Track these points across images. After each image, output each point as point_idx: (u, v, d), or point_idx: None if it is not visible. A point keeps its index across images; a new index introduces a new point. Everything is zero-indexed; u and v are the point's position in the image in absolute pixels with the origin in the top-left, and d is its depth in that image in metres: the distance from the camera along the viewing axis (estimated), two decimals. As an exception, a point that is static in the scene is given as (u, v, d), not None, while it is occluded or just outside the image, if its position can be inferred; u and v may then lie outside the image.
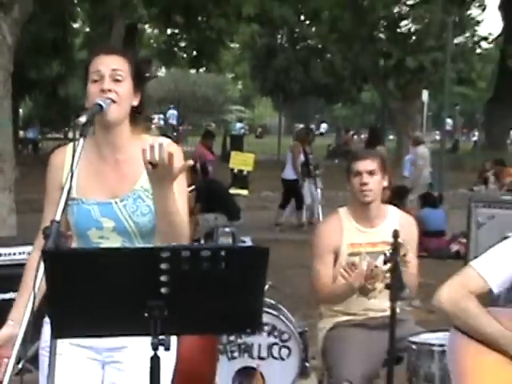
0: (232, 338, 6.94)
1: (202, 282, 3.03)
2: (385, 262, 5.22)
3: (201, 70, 47.20)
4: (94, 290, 3.06)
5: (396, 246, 5.05)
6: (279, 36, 43.31)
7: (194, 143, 50.03)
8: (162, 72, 62.38)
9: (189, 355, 6.08)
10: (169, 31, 27.96)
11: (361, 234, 5.72)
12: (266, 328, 6.93)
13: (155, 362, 3.11)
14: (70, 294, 3.07)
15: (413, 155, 20.07)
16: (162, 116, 59.66)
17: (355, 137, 57.86)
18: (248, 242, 15.28)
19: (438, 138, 40.24)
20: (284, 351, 6.90)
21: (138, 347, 3.82)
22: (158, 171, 3.50)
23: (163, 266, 2.95)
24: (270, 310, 7.01)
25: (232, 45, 50.07)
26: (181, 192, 3.97)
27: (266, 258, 3.02)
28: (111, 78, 3.85)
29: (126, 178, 3.97)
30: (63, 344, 3.86)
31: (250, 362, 6.85)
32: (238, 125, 56.85)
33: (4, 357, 3.69)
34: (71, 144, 3.78)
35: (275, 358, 6.90)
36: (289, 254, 13.41)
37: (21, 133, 29.13)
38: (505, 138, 35.97)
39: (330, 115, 67.80)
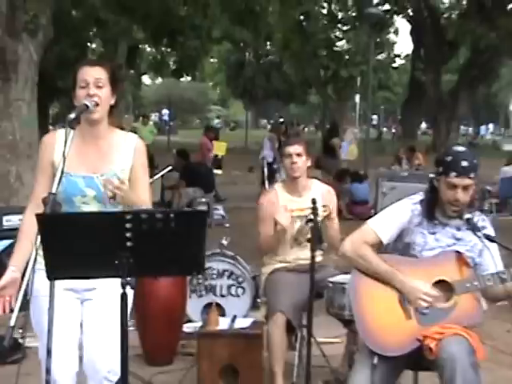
0: (200, 280, 7.15)
1: (157, 237, 3.10)
2: (306, 222, 5.42)
3: (188, 79, 47.30)
4: (78, 244, 3.12)
5: (314, 210, 5.18)
6: (247, 53, 43.32)
7: (183, 134, 50.17)
8: (157, 81, 62.01)
9: (166, 289, 6.33)
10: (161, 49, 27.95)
11: (292, 202, 5.81)
12: (226, 273, 7.11)
13: (124, 297, 3.19)
14: (60, 247, 3.13)
15: (346, 142, 20.38)
16: (157, 114, 60.31)
17: (305, 129, 58.97)
18: (220, 210, 15.50)
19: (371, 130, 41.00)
20: (240, 290, 7.08)
21: (104, 288, 3.97)
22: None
23: (127, 225, 3.04)
24: (230, 260, 7.20)
25: (211, 60, 50.51)
26: (142, 184, 4.23)
27: (205, 218, 3.21)
28: (95, 85, 4.01)
29: (105, 159, 4.12)
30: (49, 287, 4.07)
31: (214, 299, 7.01)
32: (216, 120, 57.41)
33: (8, 295, 3.84)
34: (60, 130, 4.04)
35: (233, 296, 7.08)
36: (251, 217, 13.49)
37: (50, 127, 28.73)
38: (415, 130, 36.30)
39: (286, 113, 67.85)
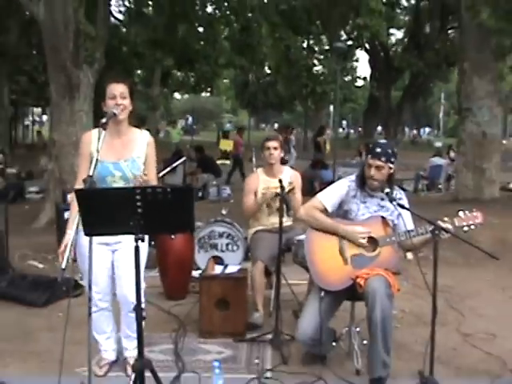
0: (206, 239, 7.19)
1: (159, 205, 3.14)
2: (276, 195, 5.46)
3: (207, 94, 47.66)
4: (104, 211, 3.18)
5: (281, 187, 5.28)
6: (250, 75, 43.31)
7: (203, 135, 50.28)
8: (185, 96, 61.79)
9: (179, 246, 6.36)
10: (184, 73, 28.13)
11: (268, 182, 5.87)
12: (225, 234, 7.14)
13: (137, 249, 3.25)
14: (92, 213, 3.19)
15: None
16: (183, 120, 60.28)
17: (294, 130, 59.01)
18: (227, 190, 15.49)
19: (340, 130, 41.07)
20: (235, 247, 7.11)
21: (127, 242, 4.03)
22: None
23: (138, 197, 3.10)
24: (227, 224, 7.23)
25: (225, 80, 50.55)
26: (151, 167, 4.37)
27: (192, 193, 3.24)
28: (120, 97, 4.14)
29: (126, 149, 4.25)
30: (94, 244, 4.14)
31: (216, 253, 7.09)
32: (228, 125, 57.28)
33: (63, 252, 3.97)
34: (94, 130, 4.18)
35: (230, 251, 7.11)
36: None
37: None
38: (373, 131, 36.16)
39: (280, 119, 67.76)
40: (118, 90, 4.15)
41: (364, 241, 4.35)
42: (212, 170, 15.50)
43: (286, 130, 20.13)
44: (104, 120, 3.95)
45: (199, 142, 20.77)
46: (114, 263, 4.37)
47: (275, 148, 5.93)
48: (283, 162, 6.32)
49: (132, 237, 3.25)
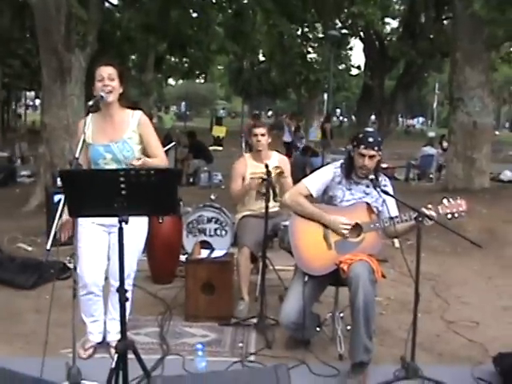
0: (194, 224, 7.19)
1: (143, 187, 3.12)
2: (262, 180, 5.46)
3: (202, 81, 47.49)
4: (88, 192, 3.17)
5: (268, 172, 5.28)
6: (244, 62, 43.12)
7: (197, 121, 50.23)
8: (179, 82, 61.55)
9: (167, 230, 6.40)
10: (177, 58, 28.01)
11: (256, 167, 5.84)
12: (214, 219, 7.10)
13: (121, 230, 3.24)
14: (76, 194, 3.19)
15: (314, 127, 20.39)
16: (175, 106, 60.10)
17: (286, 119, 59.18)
18: (219, 175, 15.49)
19: (334, 119, 41.07)
20: (223, 232, 7.07)
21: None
22: None
23: (121, 179, 3.09)
24: (216, 210, 7.22)
25: (219, 67, 50.42)
26: (154, 145, 4.35)
27: (176, 175, 3.26)
28: (108, 79, 4.16)
29: (117, 131, 4.27)
30: (88, 223, 4.18)
31: (205, 238, 7.08)
32: (221, 111, 57.08)
33: (66, 229, 4.09)
34: (88, 116, 4.12)
35: (218, 236, 7.06)
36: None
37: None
38: (367, 120, 36.09)
39: (273, 106, 67.64)
40: (106, 72, 4.19)
41: (347, 232, 4.38)
42: (204, 156, 15.48)
43: (298, 117, 20.29)
44: (91, 103, 4.00)
45: (192, 128, 20.81)
46: (110, 245, 4.39)
47: (262, 135, 5.94)
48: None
49: (131, 220, 3.25)
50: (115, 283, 4.21)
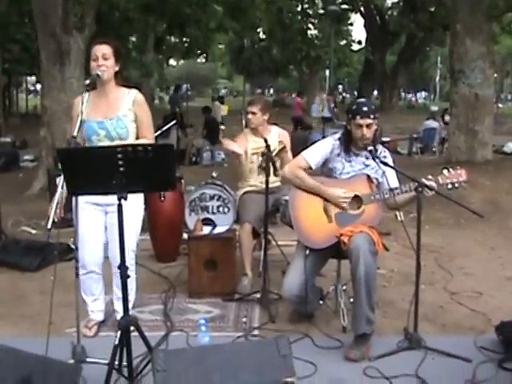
0: (197, 202, 7.19)
1: (140, 163, 3.10)
2: (262, 155, 5.44)
3: (203, 60, 47.36)
4: (86, 170, 3.14)
5: (267, 146, 5.23)
6: (245, 40, 42.97)
7: (198, 101, 50.04)
8: (180, 62, 61.36)
9: (169, 208, 6.42)
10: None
11: (256, 143, 5.84)
12: (216, 197, 7.07)
13: (120, 207, 3.19)
14: (75, 172, 3.16)
15: (316, 104, 20.30)
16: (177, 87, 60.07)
17: (289, 96, 59.14)
18: (221, 154, 15.49)
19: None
20: (226, 209, 7.05)
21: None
22: None
23: (119, 155, 3.05)
24: (218, 187, 7.21)
25: (220, 46, 50.24)
26: (146, 126, 4.38)
27: (172, 150, 3.22)
28: (102, 58, 4.15)
29: (112, 108, 4.27)
30: (83, 203, 4.17)
31: (208, 215, 7.08)
32: (223, 90, 57.23)
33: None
34: (84, 93, 4.06)
35: (221, 213, 7.04)
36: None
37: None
38: (369, 96, 36.01)
39: (275, 84, 67.37)
40: (100, 51, 4.18)
41: (346, 205, 4.37)
42: (208, 136, 15.48)
43: (333, 94, 20.53)
44: (87, 82, 4.00)
45: (194, 108, 20.79)
46: (106, 225, 4.41)
47: (253, 113, 5.91)
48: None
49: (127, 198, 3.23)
50: (116, 264, 4.24)
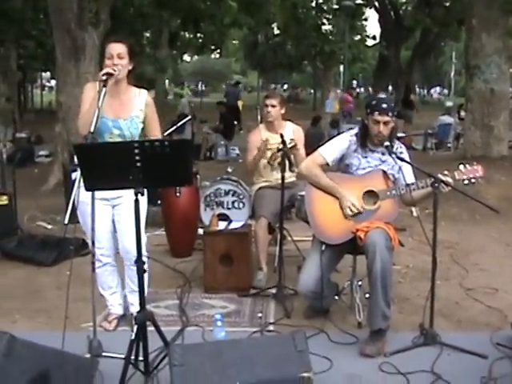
0: (212, 197, 7.20)
1: (157, 158, 3.10)
2: (278, 150, 5.44)
3: (217, 56, 47.27)
4: (103, 165, 3.14)
5: (283, 142, 5.23)
6: (259, 36, 42.90)
7: (213, 96, 50.08)
8: (195, 58, 61.26)
9: (184, 203, 6.43)
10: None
11: (272, 138, 5.79)
12: (231, 192, 7.08)
13: (137, 202, 3.22)
14: (92, 167, 3.16)
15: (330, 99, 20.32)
16: (188, 83, 60.08)
17: (303, 91, 59.12)
18: (236, 149, 15.50)
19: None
20: (241, 205, 7.06)
21: (127, 197, 4.15)
22: None
23: (136, 151, 3.06)
24: (234, 183, 7.21)
25: (234, 41, 50.20)
26: (154, 125, 4.43)
27: (189, 145, 3.24)
28: (117, 57, 4.15)
29: (126, 108, 4.27)
30: (89, 199, 4.16)
31: (223, 210, 7.09)
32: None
33: None
34: (98, 82, 4.03)
35: (236, 209, 7.07)
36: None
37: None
38: (384, 90, 35.81)
39: (289, 80, 67.19)
40: (115, 50, 4.16)
41: (350, 213, 4.35)
42: (223, 132, 15.50)
43: (350, 90, 20.76)
44: (104, 78, 3.97)
45: (208, 104, 20.83)
46: (114, 218, 4.43)
47: (273, 106, 5.88)
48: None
49: (131, 191, 3.25)
50: (129, 255, 4.31)
